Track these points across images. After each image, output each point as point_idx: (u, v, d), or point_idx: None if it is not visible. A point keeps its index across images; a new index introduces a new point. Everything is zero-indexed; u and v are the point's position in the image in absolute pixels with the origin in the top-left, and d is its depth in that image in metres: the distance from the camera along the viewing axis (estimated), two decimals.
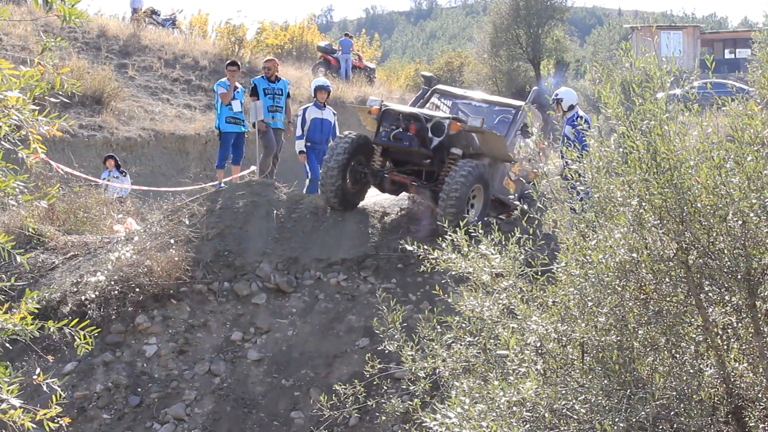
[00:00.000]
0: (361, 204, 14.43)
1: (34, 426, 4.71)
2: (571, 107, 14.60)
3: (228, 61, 16.68)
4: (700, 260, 6.40)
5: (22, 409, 4.62)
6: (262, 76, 16.38)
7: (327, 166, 13.53)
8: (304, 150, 16.01)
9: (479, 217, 12.98)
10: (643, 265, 6.41)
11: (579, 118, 13.46)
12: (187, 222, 13.79)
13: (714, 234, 6.32)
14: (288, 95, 16.61)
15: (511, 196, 13.82)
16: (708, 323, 6.38)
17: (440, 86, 15.92)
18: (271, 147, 16.21)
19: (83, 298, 12.48)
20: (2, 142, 4.66)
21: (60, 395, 4.96)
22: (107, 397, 11.57)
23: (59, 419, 4.87)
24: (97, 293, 12.51)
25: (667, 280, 6.51)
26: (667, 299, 6.53)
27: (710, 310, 6.46)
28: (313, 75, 31.50)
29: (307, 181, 15.95)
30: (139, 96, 26.89)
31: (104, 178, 17.80)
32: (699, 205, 6.25)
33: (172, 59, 30.44)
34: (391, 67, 58.11)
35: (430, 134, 13.41)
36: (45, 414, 4.77)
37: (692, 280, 6.36)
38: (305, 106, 16.67)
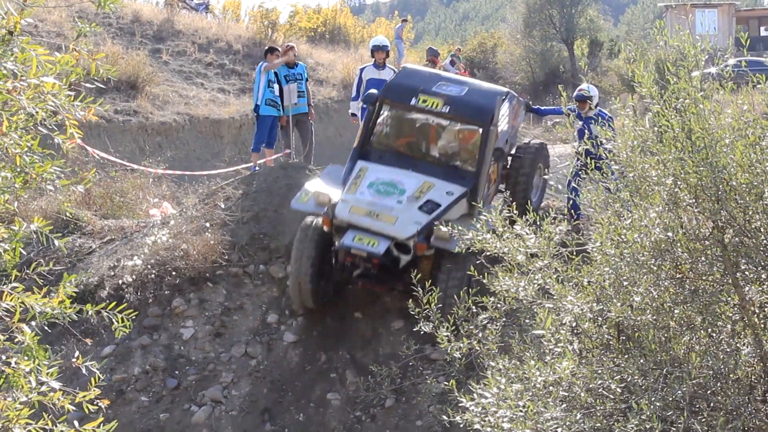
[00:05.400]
0: None
1: (74, 408, 4.77)
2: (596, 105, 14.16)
3: (269, 47, 16.57)
4: (736, 239, 6.37)
5: (61, 392, 4.68)
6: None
7: (296, 269, 11.96)
8: (357, 113, 15.41)
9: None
10: (678, 244, 6.38)
11: (601, 117, 13.04)
12: (223, 205, 13.85)
13: (750, 212, 6.29)
14: (306, 79, 16.60)
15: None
16: (744, 302, 6.35)
17: (393, 82, 13.44)
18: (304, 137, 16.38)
19: (120, 281, 12.59)
20: (39, 128, 4.69)
21: (99, 378, 5.01)
22: (145, 380, 11.67)
23: (98, 401, 4.91)
24: (134, 277, 12.61)
25: (703, 259, 6.48)
26: (703, 278, 6.51)
27: (747, 288, 6.42)
28: None
29: None
30: (173, 80, 26.96)
31: None
32: (734, 183, 6.22)
33: (205, 43, 30.50)
34: (424, 50, 57.90)
35: (396, 253, 11.62)
36: (84, 396, 4.82)
37: (728, 259, 6.33)
38: (363, 66, 16.43)
